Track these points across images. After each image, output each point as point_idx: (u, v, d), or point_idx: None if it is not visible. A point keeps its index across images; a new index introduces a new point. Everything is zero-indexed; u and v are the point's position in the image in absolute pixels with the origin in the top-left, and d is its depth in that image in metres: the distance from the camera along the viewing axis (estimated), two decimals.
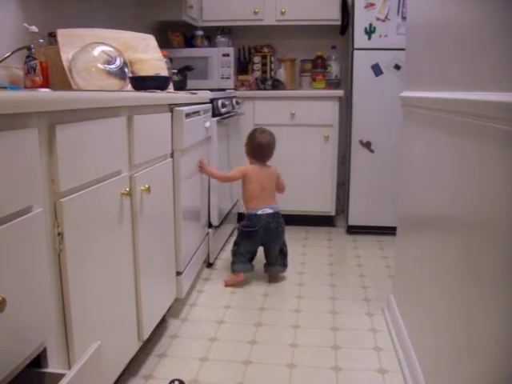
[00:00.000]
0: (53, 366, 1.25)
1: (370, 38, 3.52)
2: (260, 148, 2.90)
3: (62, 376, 1.09)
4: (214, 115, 3.00)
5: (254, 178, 2.87)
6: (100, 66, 2.22)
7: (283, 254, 2.91)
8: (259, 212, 2.80)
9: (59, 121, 1.23)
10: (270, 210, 2.81)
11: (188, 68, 3.23)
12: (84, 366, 1.13)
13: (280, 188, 3.01)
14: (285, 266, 2.92)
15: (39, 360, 1.21)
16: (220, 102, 3.07)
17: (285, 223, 2.87)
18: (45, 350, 1.22)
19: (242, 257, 2.85)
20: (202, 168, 2.77)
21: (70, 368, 1.29)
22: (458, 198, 1.37)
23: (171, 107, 2.22)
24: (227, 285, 2.83)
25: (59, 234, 1.25)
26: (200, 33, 4.00)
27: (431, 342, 1.63)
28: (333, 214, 3.93)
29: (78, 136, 1.33)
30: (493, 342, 1.10)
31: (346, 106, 3.98)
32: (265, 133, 2.92)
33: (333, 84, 4.07)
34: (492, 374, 1.11)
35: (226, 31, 4.12)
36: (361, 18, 3.51)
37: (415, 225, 1.97)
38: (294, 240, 3.65)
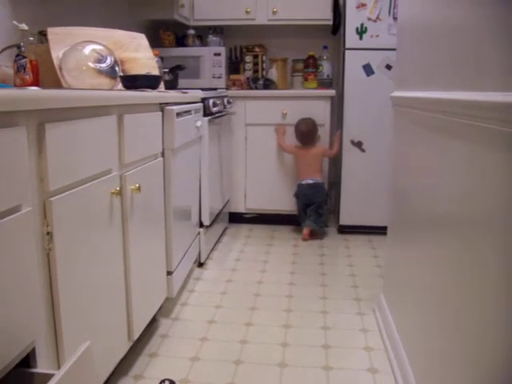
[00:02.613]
0: (42, 366, 1.24)
1: (361, 38, 3.52)
2: (299, 135, 3.74)
3: (50, 376, 1.08)
4: (205, 114, 3.00)
5: (299, 157, 3.77)
6: (91, 64, 2.21)
7: (318, 214, 3.66)
8: (303, 182, 3.68)
9: (49, 119, 1.23)
10: (310, 181, 3.66)
11: (179, 67, 3.23)
12: (73, 366, 1.12)
13: (328, 156, 3.82)
14: (315, 223, 3.65)
15: (28, 360, 1.20)
16: (211, 101, 3.07)
17: (326, 194, 3.71)
18: (34, 350, 1.21)
19: (302, 215, 3.73)
20: (279, 131, 3.77)
21: (59, 368, 1.28)
22: (449, 198, 1.38)
23: (162, 106, 2.22)
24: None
25: (48, 234, 1.24)
26: (192, 32, 3.99)
27: (422, 341, 1.64)
28: None
29: (68, 135, 1.32)
30: (485, 343, 1.10)
31: (337, 106, 3.99)
32: (304, 123, 3.73)
33: (324, 84, 4.07)
34: (483, 375, 1.11)
35: (218, 30, 4.11)
36: (352, 18, 3.51)
37: (406, 225, 1.97)
38: (285, 239, 3.67)
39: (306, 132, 3.71)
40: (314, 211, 3.65)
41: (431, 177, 1.56)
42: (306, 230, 3.66)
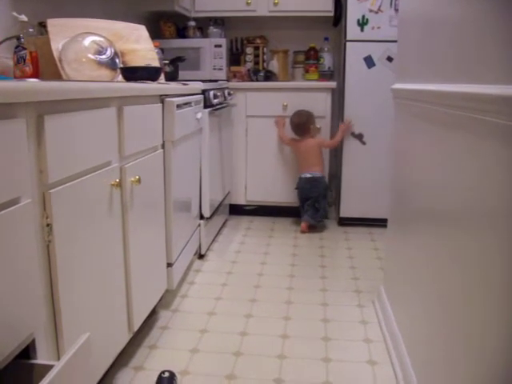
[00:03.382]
0: (42, 358, 1.25)
1: (362, 30, 3.51)
2: (293, 126, 3.75)
3: (50, 367, 1.08)
4: (205, 106, 2.99)
5: (294, 149, 3.80)
6: (91, 56, 2.20)
7: (315, 208, 3.65)
8: (302, 176, 3.68)
9: (48, 111, 1.22)
10: (308, 175, 3.66)
11: (180, 59, 3.22)
12: (73, 358, 1.12)
13: (328, 146, 3.79)
14: (312, 218, 3.65)
15: (28, 351, 1.21)
16: (212, 93, 3.06)
17: (323, 189, 3.66)
18: (33, 342, 1.21)
19: (302, 208, 3.73)
20: (279, 123, 3.77)
21: (59, 359, 1.29)
22: (449, 191, 1.37)
23: (162, 98, 2.21)
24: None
25: (48, 225, 1.24)
26: (192, 23, 3.97)
27: (421, 333, 1.64)
28: None
29: (68, 126, 1.32)
30: (485, 335, 1.10)
31: (338, 98, 3.98)
32: (297, 115, 3.73)
33: (325, 76, 4.06)
34: (483, 367, 1.11)
35: (219, 22, 4.10)
36: (353, 10, 3.50)
37: (406, 217, 1.97)
38: (286, 231, 3.67)
39: (299, 123, 3.70)
40: (312, 206, 3.65)
41: (431, 169, 1.56)
42: (303, 224, 3.68)
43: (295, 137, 3.76)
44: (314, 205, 3.65)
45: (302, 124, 3.70)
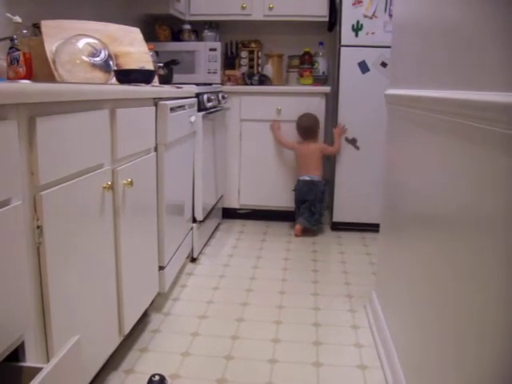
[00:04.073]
0: (31, 360, 1.24)
1: (357, 35, 3.52)
2: (299, 129, 3.75)
3: (39, 370, 1.08)
4: (199, 110, 2.99)
5: (298, 152, 3.77)
6: (84, 58, 2.20)
7: (311, 212, 3.65)
8: (301, 178, 3.70)
9: (40, 113, 1.22)
10: (307, 178, 3.68)
11: (174, 62, 3.21)
12: (62, 360, 1.12)
13: (329, 154, 3.79)
14: (307, 221, 3.65)
15: (17, 354, 1.20)
16: (206, 96, 3.06)
17: (321, 192, 3.66)
18: (23, 344, 1.21)
19: (297, 210, 3.74)
20: (274, 127, 3.78)
21: (48, 362, 1.28)
22: (441, 197, 1.38)
23: (156, 101, 2.21)
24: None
25: (38, 227, 1.24)
26: (187, 27, 3.98)
27: (411, 338, 1.64)
28: None
29: (60, 129, 1.32)
30: (478, 341, 1.11)
31: (332, 103, 3.99)
32: (305, 117, 3.74)
33: (320, 80, 4.07)
34: (474, 373, 1.12)
35: (214, 26, 4.11)
36: (348, 15, 3.51)
37: (398, 222, 1.98)
38: (279, 235, 3.67)
39: (308, 127, 3.71)
40: (307, 209, 3.66)
41: (426, 175, 1.57)
42: (298, 227, 3.67)
43: (299, 140, 3.77)
44: (310, 208, 3.65)
45: (311, 127, 3.72)
